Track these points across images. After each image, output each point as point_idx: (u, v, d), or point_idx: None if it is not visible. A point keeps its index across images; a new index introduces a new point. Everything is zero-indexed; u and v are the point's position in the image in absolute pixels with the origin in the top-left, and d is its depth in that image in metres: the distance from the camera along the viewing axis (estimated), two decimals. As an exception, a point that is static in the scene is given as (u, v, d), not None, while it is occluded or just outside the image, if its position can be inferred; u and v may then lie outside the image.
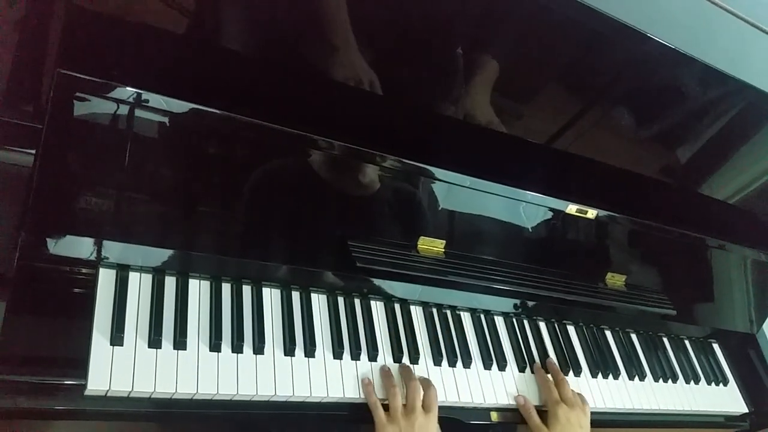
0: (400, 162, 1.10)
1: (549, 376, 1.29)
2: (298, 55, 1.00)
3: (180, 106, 0.92)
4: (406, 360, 1.15)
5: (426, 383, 1.11)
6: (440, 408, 1.15)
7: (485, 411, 1.21)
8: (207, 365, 0.96)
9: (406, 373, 1.11)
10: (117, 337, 0.91)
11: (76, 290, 0.94)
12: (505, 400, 1.21)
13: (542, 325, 1.39)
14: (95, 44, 0.87)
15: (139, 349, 0.93)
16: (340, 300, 1.15)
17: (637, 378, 1.43)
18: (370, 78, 1.05)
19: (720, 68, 1.15)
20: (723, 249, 1.55)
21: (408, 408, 1.06)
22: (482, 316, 1.31)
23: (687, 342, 1.63)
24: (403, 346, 1.16)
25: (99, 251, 0.93)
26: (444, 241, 1.19)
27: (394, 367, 1.13)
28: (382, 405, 1.07)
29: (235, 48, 0.97)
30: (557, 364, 1.32)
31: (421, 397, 1.08)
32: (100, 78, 0.85)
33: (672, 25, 1.13)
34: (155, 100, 0.89)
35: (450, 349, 1.21)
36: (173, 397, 0.93)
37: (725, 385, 1.60)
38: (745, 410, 1.59)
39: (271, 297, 1.09)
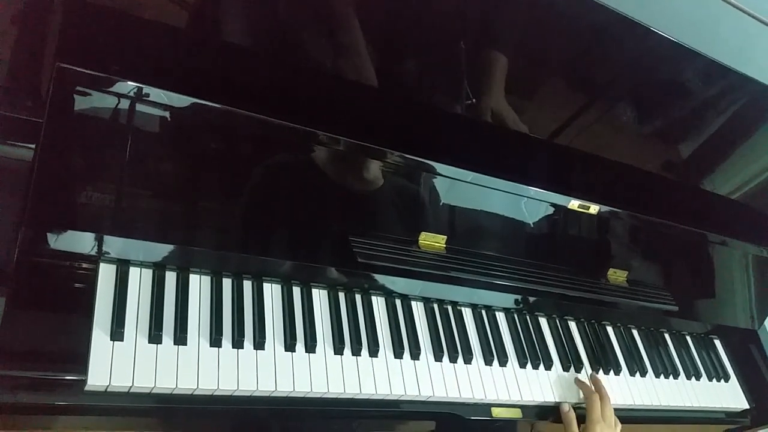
0: (402, 157, 1.09)
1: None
2: (301, 50, 1.00)
3: (181, 100, 0.91)
4: (407, 356, 1.15)
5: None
6: (440, 404, 1.16)
7: (486, 407, 1.21)
8: (207, 360, 0.96)
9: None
10: (117, 332, 0.91)
11: (77, 285, 0.94)
12: (506, 396, 1.21)
13: (543, 321, 1.38)
14: (95, 38, 0.87)
15: (140, 344, 0.93)
16: (341, 295, 1.15)
17: (638, 374, 1.43)
18: (373, 73, 1.04)
19: (723, 62, 1.14)
20: (725, 245, 1.55)
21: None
22: (483, 312, 1.30)
23: (688, 338, 1.62)
24: (404, 341, 1.16)
25: (99, 246, 0.93)
26: (445, 237, 1.19)
27: (396, 363, 1.13)
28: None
29: (237, 42, 0.96)
30: (599, 383, 1.33)
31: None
32: (100, 72, 0.84)
33: (675, 19, 1.12)
34: (156, 94, 0.89)
35: (451, 345, 1.20)
36: (174, 392, 0.93)
37: (726, 381, 1.60)
38: (746, 406, 1.59)
39: (272, 292, 1.08)
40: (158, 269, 1.00)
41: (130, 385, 0.89)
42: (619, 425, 1.28)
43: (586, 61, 1.15)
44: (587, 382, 1.32)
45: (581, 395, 1.30)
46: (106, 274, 0.95)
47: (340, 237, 1.09)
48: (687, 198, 1.49)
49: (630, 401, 1.38)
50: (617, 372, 1.40)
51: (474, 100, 1.14)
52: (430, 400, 1.14)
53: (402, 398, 1.11)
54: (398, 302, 1.21)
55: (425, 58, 1.08)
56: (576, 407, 1.27)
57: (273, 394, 1.00)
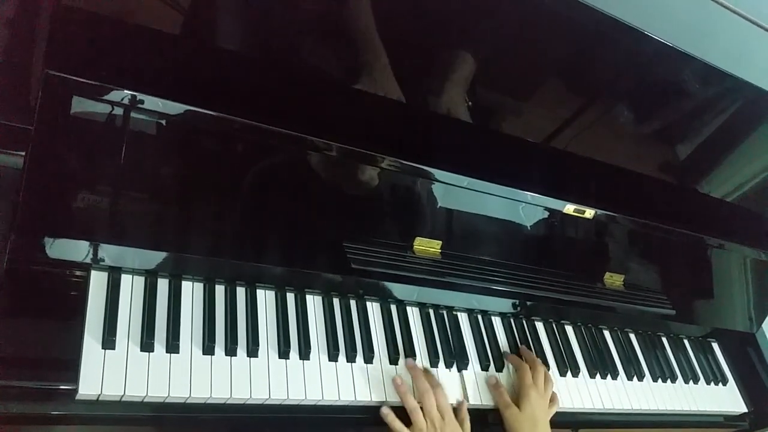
0: (397, 162, 1.09)
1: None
2: (294, 56, 0.99)
3: (174, 107, 0.90)
4: (402, 361, 1.14)
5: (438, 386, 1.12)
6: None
7: (482, 412, 1.20)
8: (200, 368, 0.95)
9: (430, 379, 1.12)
10: (109, 340, 0.90)
11: (68, 293, 0.93)
12: (503, 401, 1.20)
13: (540, 326, 1.38)
14: (85, 44, 0.86)
15: (131, 352, 0.92)
16: (336, 301, 1.14)
17: (635, 378, 1.43)
18: (367, 77, 1.04)
19: (719, 66, 1.14)
20: (722, 248, 1.54)
21: (429, 418, 1.07)
22: (479, 317, 1.30)
23: (686, 341, 1.62)
24: (400, 347, 1.15)
25: (90, 254, 0.92)
26: (440, 242, 1.18)
27: (391, 369, 1.12)
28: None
29: (230, 48, 0.96)
30: (530, 354, 1.29)
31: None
32: (89, 79, 0.84)
33: (672, 23, 1.11)
34: (149, 101, 0.88)
35: (447, 350, 1.20)
36: (166, 401, 0.92)
37: (724, 384, 1.59)
38: (745, 410, 1.59)
39: (265, 299, 1.08)
40: (150, 276, 0.99)
41: (122, 393, 0.88)
42: (556, 402, 1.25)
43: (583, 66, 1.15)
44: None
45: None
46: (98, 282, 0.94)
47: (334, 243, 1.08)
48: (684, 201, 1.49)
49: (627, 406, 1.37)
50: (614, 376, 1.40)
51: (470, 104, 1.13)
52: (425, 406, 1.13)
53: (398, 405, 1.10)
54: (393, 308, 1.20)
55: (420, 61, 1.07)
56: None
57: (267, 402, 0.99)
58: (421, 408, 1.07)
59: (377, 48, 1.00)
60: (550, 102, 1.20)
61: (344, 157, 1.05)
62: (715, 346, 1.67)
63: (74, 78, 0.82)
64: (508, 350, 1.28)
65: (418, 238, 1.16)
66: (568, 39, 1.08)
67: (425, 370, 1.15)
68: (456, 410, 1.13)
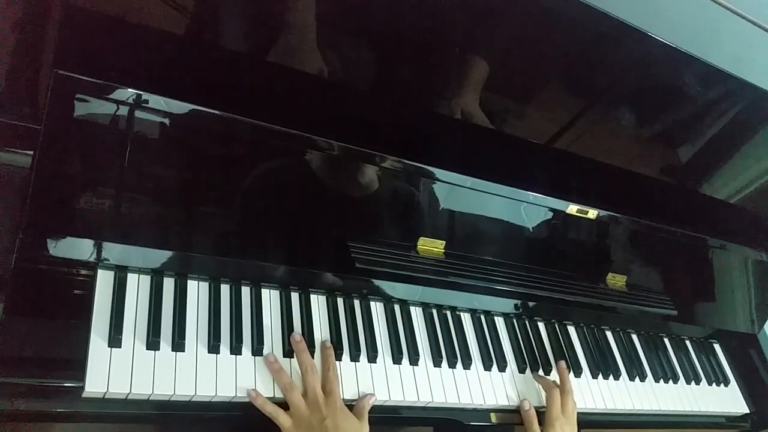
0: (400, 162, 1.09)
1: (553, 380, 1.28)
2: (298, 57, 1.00)
3: (179, 106, 0.91)
4: (406, 361, 1.14)
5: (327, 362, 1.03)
6: (439, 409, 1.16)
7: (485, 412, 1.20)
8: (205, 367, 0.96)
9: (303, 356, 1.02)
10: (115, 338, 0.91)
11: (74, 292, 0.94)
12: (505, 401, 1.21)
13: (542, 326, 1.38)
14: (93, 44, 0.87)
15: (137, 350, 0.93)
16: (340, 301, 1.15)
17: (637, 378, 1.43)
18: (371, 78, 1.04)
19: (721, 67, 1.14)
20: (724, 249, 1.54)
21: (310, 397, 0.97)
22: (482, 317, 1.30)
23: (688, 342, 1.62)
24: (403, 347, 1.16)
25: (97, 252, 0.93)
26: (444, 242, 1.18)
27: (394, 368, 1.12)
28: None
29: (234, 48, 0.96)
30: (565, 379, 1.28)
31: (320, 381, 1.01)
32: (98, 78, 0.84)
33: (674, 24, 1.12)
34: (154, 100, 0.89)
35: (450, 350, 1.20)
36: (171, 399, 0.93)
37: (726, 385, 1.60)
38: (746, 411, 1.59)
39: (270, 298, 1.08)
40: (156, 275, 1.00)
41: (128, 391, 0.89)
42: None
43: (586, 66, 1.16)
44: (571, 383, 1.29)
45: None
46: (104, 281, 0.95)
47: (338, 242, 1.09)
48: (686, 202, 1.49)
49: (629, 406, 1.37)
50: (617, 377, 1.40)
51: (474, 105, 1.14)
52: (429, 405, 1.14)
53: (401, 404, 1.11)
54: (397, 308, 1.21)
55: (424, 61, 1.08)
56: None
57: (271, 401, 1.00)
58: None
59: (381, 49, 1.01)
60: (553, 103, 1.21)
61: (348, 157, 1.06)
62: (717, 347, 1.67)
63: (83, 77, 0.83)
64: (511, 350, 1.29)
65: (421, 238, 1.17)
66: (570, 40, 1.09)
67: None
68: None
